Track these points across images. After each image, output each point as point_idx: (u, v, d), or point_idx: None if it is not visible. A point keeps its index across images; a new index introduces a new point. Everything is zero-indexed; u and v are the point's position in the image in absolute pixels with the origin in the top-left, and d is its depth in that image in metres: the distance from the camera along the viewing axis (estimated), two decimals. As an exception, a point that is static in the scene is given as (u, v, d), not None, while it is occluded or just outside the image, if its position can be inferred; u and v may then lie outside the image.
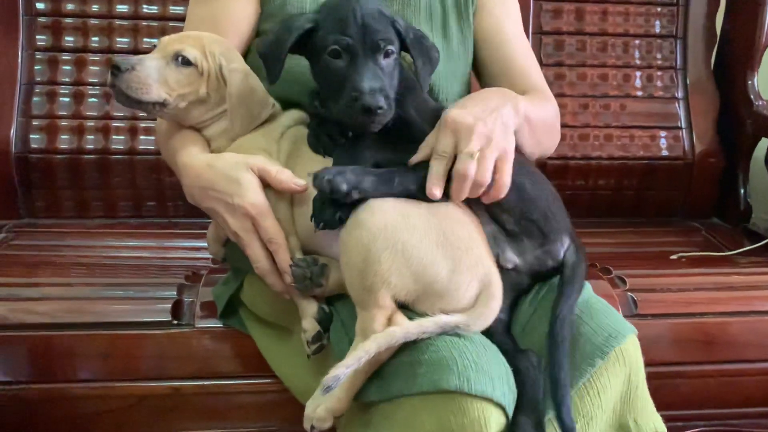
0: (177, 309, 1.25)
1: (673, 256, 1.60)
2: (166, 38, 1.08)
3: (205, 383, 1.23)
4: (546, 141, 1.19)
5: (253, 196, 0.98)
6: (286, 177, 1.00)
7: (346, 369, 0.85)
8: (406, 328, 0.88)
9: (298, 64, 1.05)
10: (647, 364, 0.99)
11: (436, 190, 0.93)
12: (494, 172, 0.94)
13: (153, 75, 1.04)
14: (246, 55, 1.18)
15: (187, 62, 1.06)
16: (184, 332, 1.23)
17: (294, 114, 1.13)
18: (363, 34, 0.95)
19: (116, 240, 1.65)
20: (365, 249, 0.89)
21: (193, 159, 1.05)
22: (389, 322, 0.89)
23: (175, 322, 1.23)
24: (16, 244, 1.61)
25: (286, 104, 1.14)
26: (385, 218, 0.90)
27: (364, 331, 0.90)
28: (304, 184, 1.00)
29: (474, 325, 0.92)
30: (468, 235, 0.94)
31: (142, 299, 1.27)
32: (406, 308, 0.92)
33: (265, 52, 1.01)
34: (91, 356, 1.21)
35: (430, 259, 0.90)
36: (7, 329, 1.20)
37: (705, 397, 1.36)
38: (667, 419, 0.99)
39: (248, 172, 1.00)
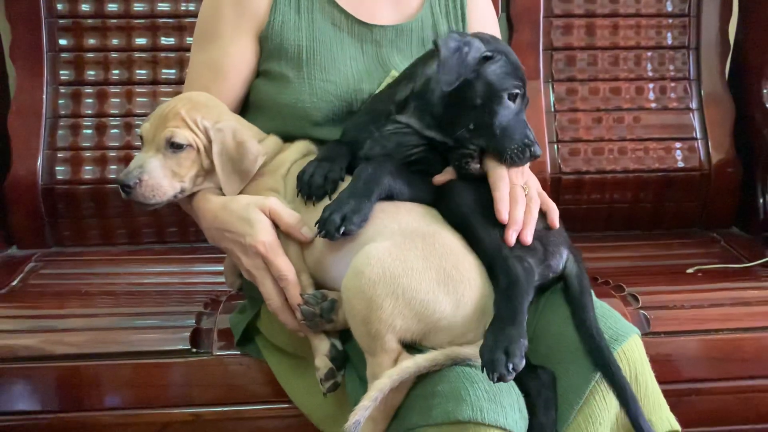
0: (196, 337, 1.28)
1: (690, 270, 1.60)
2: (147, 125, 1.06)
3: (225, 409, 1.26)
4: None
5: (264, 235, 1.01)
6: (295, 223, 1.03)
7: (365, 411, 0.86)
8: (417, 362, 0.89)
9: (296, 98, 1.13)
10: (661, 382, 1.00)
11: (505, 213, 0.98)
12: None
13: (160, 174, 1.04)
14: (248, 94, 1.21)
15: (179, 146, 1.05)
16: (203, 360, 1.26)
17: (300, 146, 1.14)
18: (525, 87, 1.04)
19: (140, 266, 1.70)
20: (366, 297, 0.90)
21: (209, 202, 1.08)
22: (395, 363, 0.90)
23: (194, 350, 1.27)
24: (45, 273, 1.66)
25: (285, 138, 1.15)
26: (382, 265, 0.90)
27: (374, 376, 0.90)
28: (310, 235, 1.02)
29: None
30: (469, 265, 0.95)
31: (164, 328, 1.31)
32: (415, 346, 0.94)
33: (446, 58, 0.99)
34: (116, 385, 1.25)
35: (432, 299, 0.90)
36: (39, 360, 1.25)
37: (721, 414, 1.35)
38: (683, 438, 1.00)
39: (260, 212, 1.03)
